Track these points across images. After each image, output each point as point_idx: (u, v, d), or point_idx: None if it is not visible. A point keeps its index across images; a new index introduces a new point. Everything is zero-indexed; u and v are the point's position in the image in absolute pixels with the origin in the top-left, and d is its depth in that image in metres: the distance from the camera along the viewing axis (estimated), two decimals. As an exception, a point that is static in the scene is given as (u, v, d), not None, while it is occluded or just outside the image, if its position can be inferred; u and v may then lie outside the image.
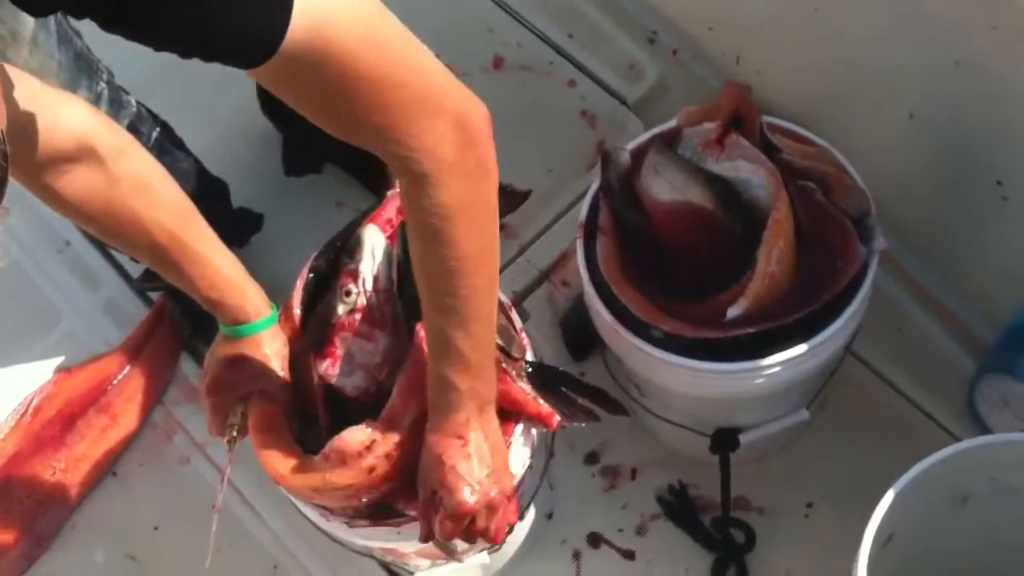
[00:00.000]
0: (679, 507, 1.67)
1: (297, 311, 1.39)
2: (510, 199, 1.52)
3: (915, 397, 1.70)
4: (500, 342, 1.35)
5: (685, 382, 1.44)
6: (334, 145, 1.99)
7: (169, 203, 1.27)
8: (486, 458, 1.23)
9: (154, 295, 1.91)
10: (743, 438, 1.54)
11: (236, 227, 1.88)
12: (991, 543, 1.43)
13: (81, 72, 1.53)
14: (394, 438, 1.25)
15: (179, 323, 1.87)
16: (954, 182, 1.62)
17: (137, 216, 1.24)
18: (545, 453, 1.49)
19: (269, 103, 1.90)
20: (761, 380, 1.41)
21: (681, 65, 1.99)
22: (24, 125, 1.08)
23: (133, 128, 1.61)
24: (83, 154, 1.18)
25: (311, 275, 1.41)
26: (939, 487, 1.34)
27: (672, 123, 1.54)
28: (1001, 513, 1.41)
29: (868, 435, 1.67)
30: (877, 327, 1.63)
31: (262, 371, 1.34)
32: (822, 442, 1.68)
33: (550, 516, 1.68)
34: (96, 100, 1.56)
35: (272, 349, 1.34)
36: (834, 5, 1.63)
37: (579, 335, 1.73)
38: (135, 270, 1.92)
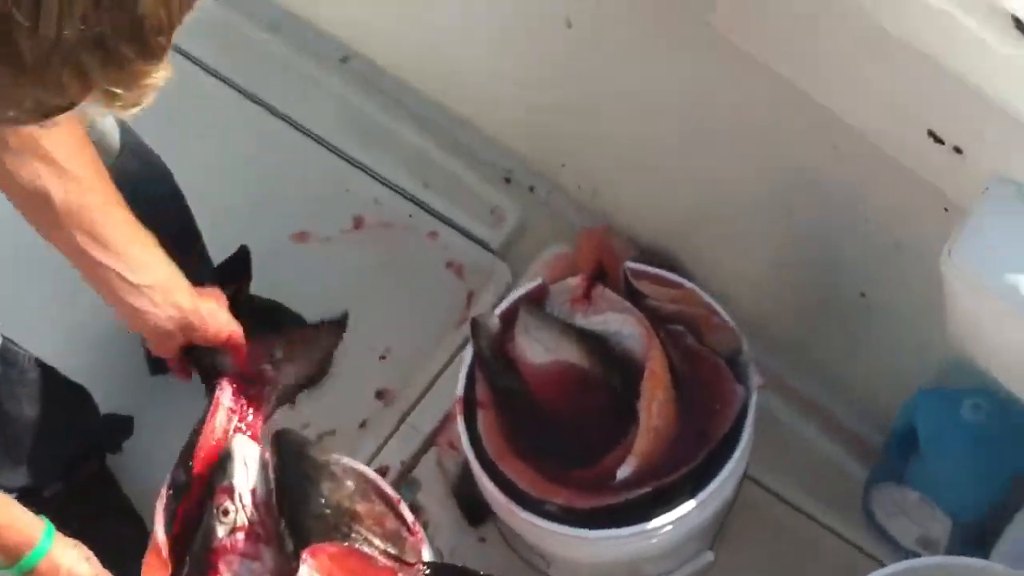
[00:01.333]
0: (599, 665, 1.64)
1: (161, 538, 1.31)
2: (331, 330, 1.50)
3: (814, 513, 1.70)
4: (392, 550, 1.31)
5: (585, 551, 1.41)
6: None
7: None
8: None
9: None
10: (653, 590, 1.52)
11: (105, 434, 1.81)
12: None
13: None
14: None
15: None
16: (821, 297, 1.64)
17: None
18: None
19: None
20: (658, 539, 1.39)
21: (540, 202, 1.99)
22: None
23: None
24: None
25: (171, 492, 1.35)
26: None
27: (538, 281, 1.53)
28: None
29: (775, 558, 1.67)
30: (768, 447, 1.62)
31: None
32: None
33: None
34: None
35: (73, 558, 1.26)
36: (675, 136, 1.66)
37: (474, 501, 1.69)
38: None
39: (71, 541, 1.28)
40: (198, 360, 1.42)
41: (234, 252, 1.84)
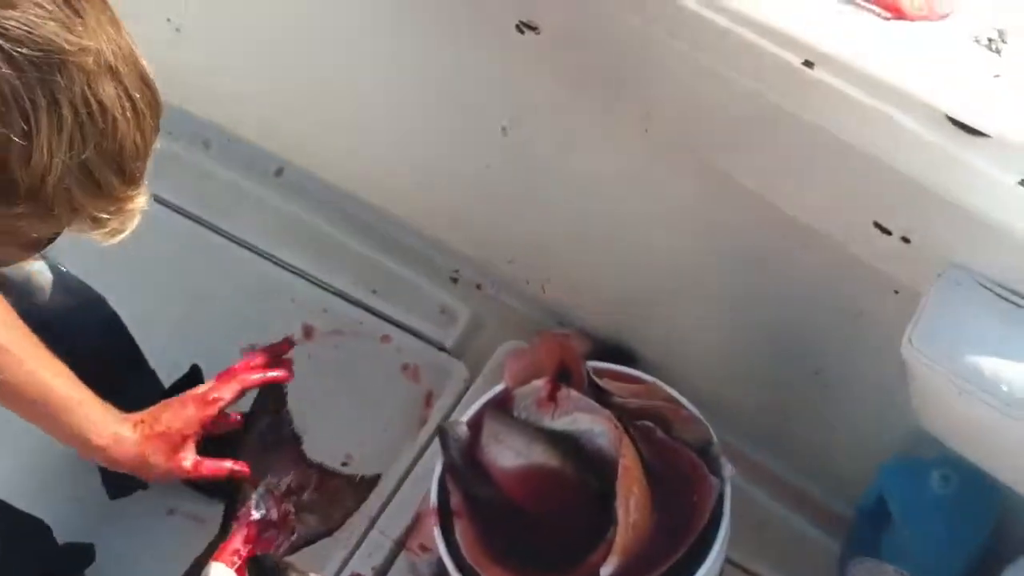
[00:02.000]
0: None
1: None
2: (359, 489, 1.50)
3: (790, 590, 1.73)
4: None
5: (575, 655, 1.41)
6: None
7: None
8: None
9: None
10: None
11: (65, 564, 1.76)
12: None
13: None
14: None
15: None
16: (779, 376, 1.67)
17: None
18: None
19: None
20: (647, 638, 1.39)
21: (489, 298, 2.01)
22: None
23: None
24: None
25: None
26: None
27: (502, 387, 1.54)
28: None
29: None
30: (743, 528, 1.63)
31: None
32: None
33: None
34: None
35: None
36: (620, 229, 1.69)
37: (451, 604, 1.68)
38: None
39: None
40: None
41: (186, 371, 1.83)
